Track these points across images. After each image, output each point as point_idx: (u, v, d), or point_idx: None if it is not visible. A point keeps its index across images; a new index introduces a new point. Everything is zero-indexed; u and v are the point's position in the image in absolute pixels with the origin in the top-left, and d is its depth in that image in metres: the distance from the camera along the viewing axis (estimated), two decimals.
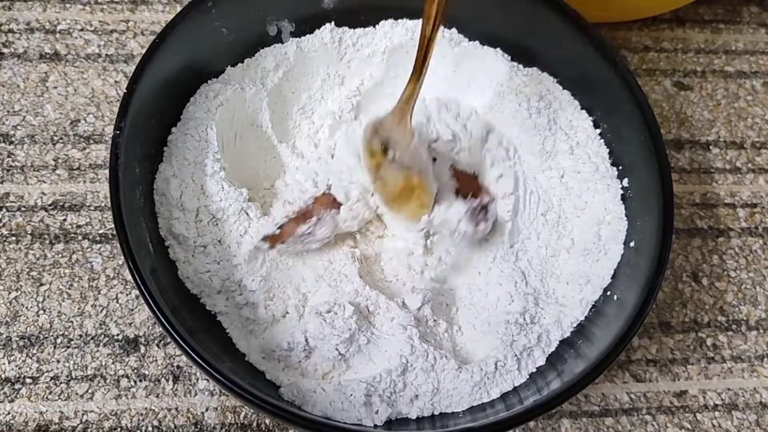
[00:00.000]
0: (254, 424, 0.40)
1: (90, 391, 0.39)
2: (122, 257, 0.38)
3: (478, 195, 0.41)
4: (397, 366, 0.36)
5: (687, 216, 0.49)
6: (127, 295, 0.42)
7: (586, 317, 0.39)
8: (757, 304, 0.47)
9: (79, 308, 0.41)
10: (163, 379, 0.40)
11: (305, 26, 0.44)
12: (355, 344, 0.36)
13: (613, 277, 0.39)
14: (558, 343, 0.38)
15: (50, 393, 0.39)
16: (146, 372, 0.40)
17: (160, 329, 0.41)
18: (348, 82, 0.45)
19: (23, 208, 0.43)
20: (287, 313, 0.38)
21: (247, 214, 0.39)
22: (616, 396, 0.43)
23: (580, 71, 0.43)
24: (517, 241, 0.42)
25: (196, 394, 0.40)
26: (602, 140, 0.43)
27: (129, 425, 0.39)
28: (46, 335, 0.40)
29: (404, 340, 0.36)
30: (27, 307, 0.41)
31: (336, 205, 0.40)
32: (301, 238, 0.38)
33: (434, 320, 0.38)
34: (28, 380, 0.39)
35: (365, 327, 0.37)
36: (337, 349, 0.36)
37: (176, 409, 0.39)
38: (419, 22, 0.45)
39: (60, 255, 0.42)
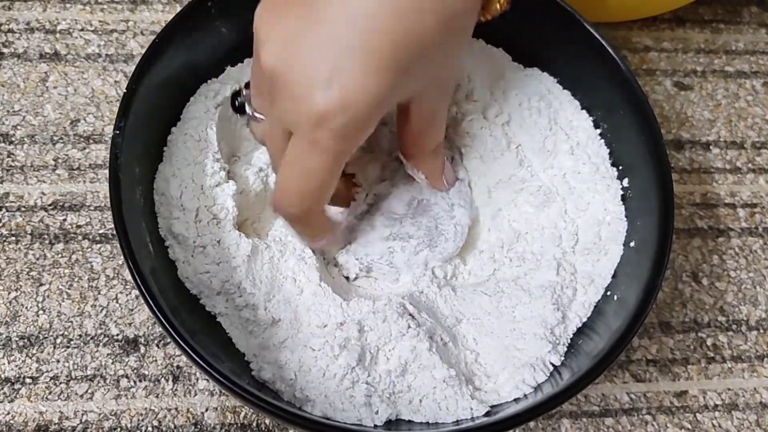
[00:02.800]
0: (254, 424, 0.40)
1: (90, 391, 0.39)
2: (122, 257, 0.38)
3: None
4: (396, 366, 0.36)
5: (687, 216, 0.49)
6: (127, 295, 0.42)
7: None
8: (757, 304, 0.46)
9: (78, 308, 0.41)
10: (162, 379, 0.40)
11: None
12: (354, 352, 0.36)
13: (613, 277, 0.39)
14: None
15: (50, 393, 0.39)
16: (146, 372, 0.40)
17: (160, 329, 0.41)
18: None
19: (23, 208, 0.43)
20: (287, 316, 0.38)
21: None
22: (616, 396, 0.43)
23: (580, 71, 0.43)
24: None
25: (196, 394, 0.40)
26: (602, 140, 0.43)
27: (129, 425, 0.39)
28: (46, 335, 0.40)
29: (404, 342, 0.36)
30: (27, 307, 0.41)
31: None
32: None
33: (433, 323, 0.38)
34: (28, 380, 0.39)
35: (364, 338, 0.37)
36: (335, 356, 0.36)
37: (176, 409, 0.39)
38: None
39: (60, 255, 0.42)
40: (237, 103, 0.35)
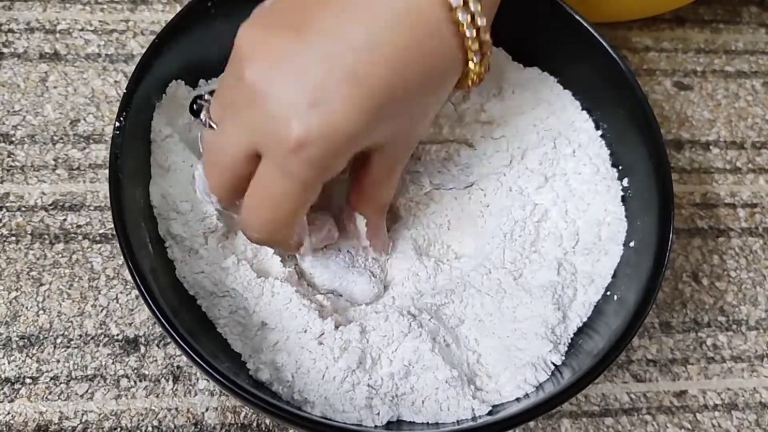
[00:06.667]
0: (254, 424, 0.40)
1: (90, 391, 0.39)
2: (122, 257, 0.38)
3: None
4: (399, 369, 0.36)
5: (687, 216, 0.49)
6: (127, 295, 0.42)
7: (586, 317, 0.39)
8: (757, 304, 0.47)
9: (79, 308, 0.41)
10: (163, 379, 0.40)
11: None
12: (354, 355, 0.36)
13: (613, 277, 0.39)
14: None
15: (50, 393, 0.39)
16: (146, 372, 0.40)
17: (160, 329, 0.41)
18: None
19: (23, 208, 0.43)
20: (273, 320, 0.38)
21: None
22: (616, 396, 0.43)
23: (580, 71, 0.43)
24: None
25: (196, 394, 0.40)
26: (603, 141, 0.43)
27: (129, 425, 0.39)
28: (46, 335, 0.40)
29: (407, 343, 0.36)
30: (27, 307, 0.41)
31: None
32: None
33: (436, 324, 0.38)
34: (28, 380, 0.39)
35: (365, 339, 0.36)
36: (335, 358, 0.36)
37: (176, 409, 0.39)
38: None
39: (60, 255, 0.42)
40: (195, 106, 0.35)
